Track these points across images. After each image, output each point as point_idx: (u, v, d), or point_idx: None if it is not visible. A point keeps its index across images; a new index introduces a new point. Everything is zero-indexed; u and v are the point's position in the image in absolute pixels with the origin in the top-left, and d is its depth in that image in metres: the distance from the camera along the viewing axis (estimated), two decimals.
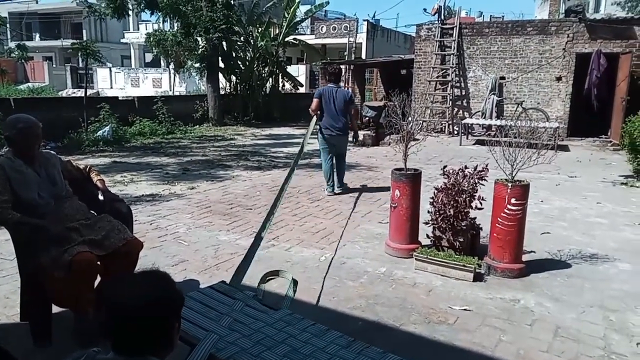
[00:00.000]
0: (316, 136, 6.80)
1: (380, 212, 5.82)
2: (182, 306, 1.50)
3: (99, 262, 2.83)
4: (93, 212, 3.11)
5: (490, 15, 29.67)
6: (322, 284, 3.82)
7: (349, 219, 5.60)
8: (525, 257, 4.11)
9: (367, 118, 14.02)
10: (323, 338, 2.36)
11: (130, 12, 14.94)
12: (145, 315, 1.36)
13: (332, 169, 6.71)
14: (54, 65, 34.62)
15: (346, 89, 8.96)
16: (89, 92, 13.29)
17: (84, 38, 26.85)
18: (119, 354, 1.37)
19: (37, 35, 38.47)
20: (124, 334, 1.36)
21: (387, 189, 5.39)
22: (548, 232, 5.11)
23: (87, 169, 3.34)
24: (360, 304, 3.48)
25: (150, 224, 5.31)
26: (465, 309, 3.41)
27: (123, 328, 1.36)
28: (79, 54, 12.93)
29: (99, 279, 2.95)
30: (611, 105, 12.13)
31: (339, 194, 6.68)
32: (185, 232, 5.05)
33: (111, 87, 28.69)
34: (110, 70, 29.55)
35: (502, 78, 13.53)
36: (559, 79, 12.86)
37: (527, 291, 3.70)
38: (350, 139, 6.99)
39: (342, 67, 20.29)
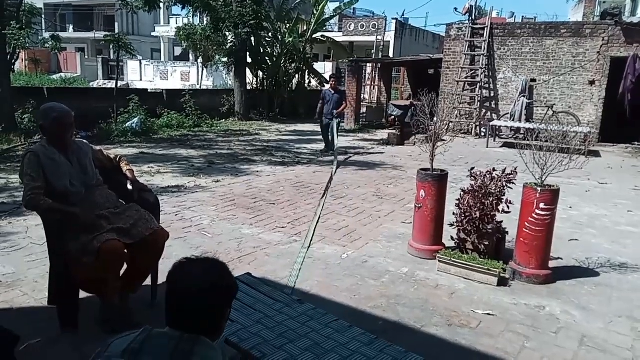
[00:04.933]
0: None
1: (404, 212, 5.78)
2: (235, 295, 1.58)
3: (125, 250, 2.88)
4: (122, 201, 3.16)
5: (523, 17, 29.10)
6: (344, 281, 3.81)
7: (372, 217, 5.58)
8: (552, 264, 4.02)
9: (393, 117, 13.88)
10: (345, 334, 2.36)
11: (161, 6, 15.14)
12: (203, 298, 1.45)
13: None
14: (86, 57, 35.36)
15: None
16: (119, 83, 13.52)
17: (116, 30, 27.32)
18: (174, 330, 1.45)
19: (71, 27, 39.36)
20: (182, 313, 1.45)
21: (411, 188, 5.35)
22: (576, 239, 5.00)
23: (117, 158, 3.39)
24: (381, 304, 3.46)
25: (176, 215, 5.38)
26: (488, 314, 3.36)
27: (181, 308, 1.45)
28: (111, 46, 13.20)
29: (125, 267, 3.01)
30: None
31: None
32: (209, 224, 5.10)
33: (141, 80, 29.17)
34: (140, 63, 30.03)
35: (533, 80, 13.27)
36: (592, 82, 12.55)
37: (553, 298, 3.62)
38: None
39: (370, 65, 20.29)
